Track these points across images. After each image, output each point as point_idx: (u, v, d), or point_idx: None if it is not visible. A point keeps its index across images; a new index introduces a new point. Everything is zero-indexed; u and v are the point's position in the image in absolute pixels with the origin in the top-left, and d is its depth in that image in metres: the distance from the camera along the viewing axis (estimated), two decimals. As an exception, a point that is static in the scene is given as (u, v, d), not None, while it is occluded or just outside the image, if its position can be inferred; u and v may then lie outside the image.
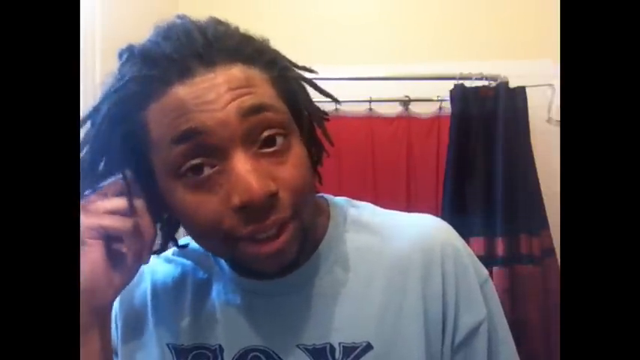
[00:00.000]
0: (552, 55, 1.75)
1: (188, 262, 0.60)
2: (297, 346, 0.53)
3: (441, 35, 2.01)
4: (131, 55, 0.48)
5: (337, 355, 0.52)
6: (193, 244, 0.60)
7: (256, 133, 0.45)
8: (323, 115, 0.56)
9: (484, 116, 1.69)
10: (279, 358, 0.53)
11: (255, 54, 0.48)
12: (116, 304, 0.60)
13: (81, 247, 0.48)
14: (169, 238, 0.58)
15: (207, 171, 0.45)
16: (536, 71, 1.77)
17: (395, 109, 1.92)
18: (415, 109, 1.92)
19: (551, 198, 1.69)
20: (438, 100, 1.87)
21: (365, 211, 0.59)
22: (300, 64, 0.54)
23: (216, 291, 0.57)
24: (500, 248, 1.57)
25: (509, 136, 1.65)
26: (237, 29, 0.51)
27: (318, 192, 0.59)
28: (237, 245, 0.47)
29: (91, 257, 0.48)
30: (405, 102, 1.90)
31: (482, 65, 1.73)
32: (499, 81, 1.71)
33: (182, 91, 0.44)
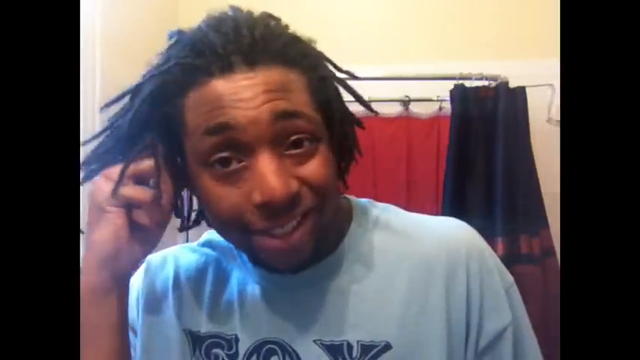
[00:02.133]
0: (552, 55, 1.75)
1: (212, 253, 0.62)
2: (314, 341, 0.53)
3: (441, 35, 2.01)
4: (180, 40, 0.50)
5: (355, 353, 0.52)
6: (218, 238, 0.61)
7: (285, 136, 0.47)
8: (356, 123, 0.57)
9: (484, 116, 1.69)
10: (294, 352, 0.53)
11: (298, 57, 0.49)
12: (140, 285, 0.62)
13: (101, 215, 0.50)
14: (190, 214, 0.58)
15: (234, 165, 0.46)
16: (536, 71, 1.77)
17: (395, 109, 1.92)
18: (415, 109, 1.91)
19: (551, 198, 1.69)
20: (438, 100, 1.86)
21: (388, 212, 0.60)
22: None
23: (237, 282, 0.58)
24: (500, 248, 1.57)
25: (509, 136, 1.65)
26: (286, 29, 0.52)
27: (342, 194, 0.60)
28: (254, 238, 0.48)
29: (113, 224, 0.50)
30: (405, 102, 1.90)
31: (482, 65, 1.73)
32: (499, 81, 1.71)
33: (221, 84, 0.46)
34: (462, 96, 1.70)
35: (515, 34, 1.97)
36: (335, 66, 0.54)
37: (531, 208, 1.64)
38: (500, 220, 1.59)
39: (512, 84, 1.70)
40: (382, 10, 2.03)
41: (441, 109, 1.88)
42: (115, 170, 0.50)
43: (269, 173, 0.45)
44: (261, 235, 0.47)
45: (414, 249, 0.55)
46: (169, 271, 0.61)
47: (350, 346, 0.52)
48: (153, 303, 0.61)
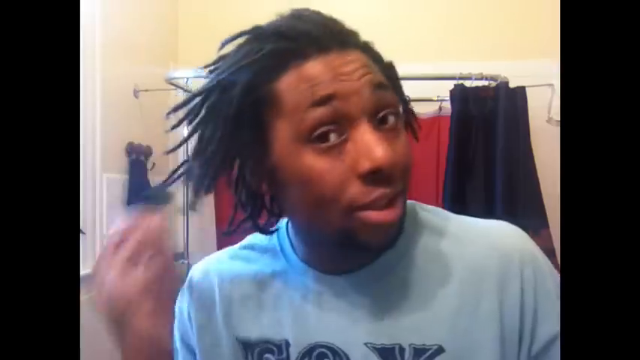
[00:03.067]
0: (552, 55, 1.76)
1: (255, 256, 0.62)
2: (366, 344, 0.53)
3: (441, 35, 2.01)
4: (260, 33, 0.51)
5: (407, 356, 0.51)
6: (260, 241, 0.62)
7: (378, 110, 0.48)
8: (413, 115, 0.60)
9: (484, 116, 1.69)
10: (345, 355, 0.53)
11: (367, 47, 0.53)
12: (187, 302, 0.62)
13: (131, 311, 0.52)
14: (256, 214, 0.58)
15: (333, 139, 0.47)
16: (536, 71, 1.77)
17: (395, 109, 1.92)
18: (415, 109, 1.90)
19: (551, 198, 1.69)
20: (438, 100, 1.87)
21: (436, 214, 0.59)
22: None
23: (284, 286, 0.58)
24: (500, 248, 1.57)
25: (509, 136, 1.65)
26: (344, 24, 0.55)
27: None
28: (357, 215, 0.48)
29: (144, 315, 0.52)
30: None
31: (482, 65, 1.73)
32: (499, 81, 1.71)
33: (319, 63, 0.48)
34: (462, 96, 1.70)
35: (515, 34, 1.97)
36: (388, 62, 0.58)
37: (531, 208, 1.64)
38: (500, 220, 1.59)
39: (512, 84, 1.70)
40: (382, 10, 2.04)
41: (440, 109, 1.88)
42: (123, 261, 0.53)
43: (374, 141, 0.46)
44: (364, 210, 0.47)
45: (465, 253, 0.55)
46: (213, 282, 0.61)
47: (402, 350, 0.52)
48: (203, 317, 0.61)
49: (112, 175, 1.74)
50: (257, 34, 0.51)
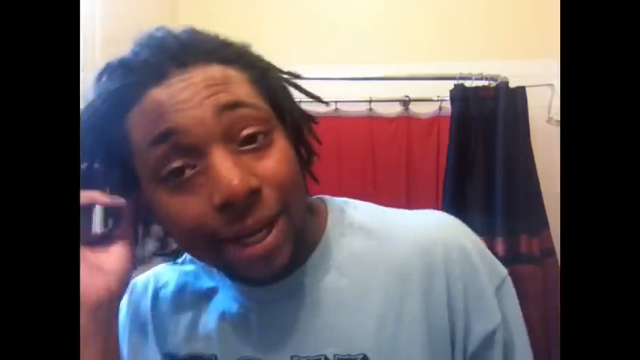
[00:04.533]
0: (552, 55, 1.76)
1: (192, 270, 0.60)
2: (292, 357, 0.51)
3: (441, 35, 2.01)
4: (111, 69, 0.48)
5: None
6: None
7: (235, 131, 0.45)
8: (309, 119, 0.55)
9: (484, 116, 1.69)
10: None
11: (233, 55, 0.48)
12: (125, 309, 0.61)
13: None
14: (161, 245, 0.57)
15: (188, 173, 0.44)
16: (536, 71, 1.77)
17: (395, 109, 1.92)
18: (415, 109, 1.92)
19: (551, 198, 1.69)
20: (438, 100, 1.87)
21: (364, 212, 0.57)
22: (290, 65, 0.54)
23: (215, 300, 0.57)
24: (500, 248, 1.57)
25: (509, 136, 1.65)
26: (216, 36, 0.51)
27: (316, 194, 0.58)
28: (224, 249, 0.45)
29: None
30: (405, 102, 1.90)
31: (482, 65, 1.73)
32: (499, 81, 1.71)
33: (158, 93, 0.44)
34: (462, 96, 1.70)
35: (515, 34, 1.97)
36: (274, 67, 0.53)
37: (531, 208, 1.64)
38: (500, 220, 1.59)
39: (512, 84, 1.70)
40: (382, 10, 2.04)
41: (440, 109, 1.88)
42: None
43: (225, 169, 0.43)
44: (231, 245, 0.45)
45: (389, 253, 0.52)
46: (149, 296, 0.60)
47: None
48: (136, 327, 0.60)
49: (112, 175, 1.74)
50: (108, 72, 0.49)
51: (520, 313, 0.53)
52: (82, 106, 0.48)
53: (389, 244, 0.53)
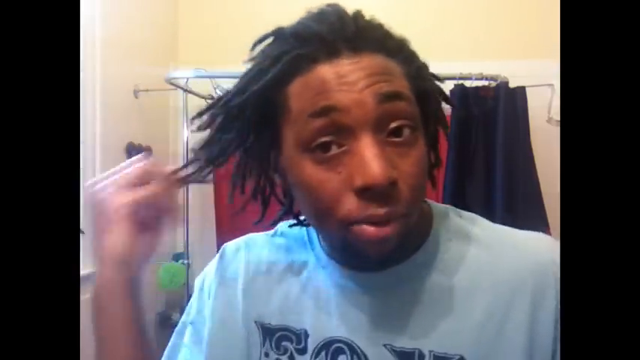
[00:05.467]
0: (552, 55, 1.76)
1: (285, 244, 0.62)
2: (385, 345, 0.52)
3: (441, 35, 2.01)
4: (281, 35, 0.50)
5: None
6: (292, 230, 0.62)
7: (387, 121, 0.46)
8: (447, 123, 0.57)
9: (484, 116, 1.69)
10: (363, 353, 0.53)
11: (396, 48, 0.51)
12: (212, 272, 0.64)
13: (112, 222, 0.52)
14: (266, 209, 0.59)
15: (334, 149, 0.46)
16: (536, 71, 1.77)
17: (395, 109, 1.92)
18: (415, 109, 1.91)
19: (551, 198, 1.69)
20: (437, 100, 1.86)
21: (471, 222, 0.58)
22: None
23: (309, 276, 0.58)
24: (500, 248, 1.57)
25: (509, 136, 1.65)
26: (381, 25, 0.53)
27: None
28: (351, 229, 0.47)
29: (125, 230, 0.52)
30: (405, 102, 1.90)
31: (482, 65, 1.73)
32: (499, 81, 1.71)
33: (327, 69, 0.47)
34: (462, 96, 1.70)
35: (515, 34, 1.97)
36: (425, 65, 0.55)
37: (531, 208, 1.64)
38: (500, 220, 1.57)
39: (512, 84, 1.70)
40: (381, 10, 2.03)
41: (441, 109, 1.88)
42: (123, 177, 0.53)
43: (371, 156, 0.45)
44: (359, 224, 0.46)
45: (498, 263, 0.53)
46: (241, 261, 0.62)
47: (422, 355, 0.51)
48: (224, 292, 0.61)
49: (112, 175, 1.74)
50: (277, 37, 0.51)
51: None
52: (82, 107, 0.48)
53: (499, 255, 0.54)
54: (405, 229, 0.47)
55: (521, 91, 1.70)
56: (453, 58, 1.91)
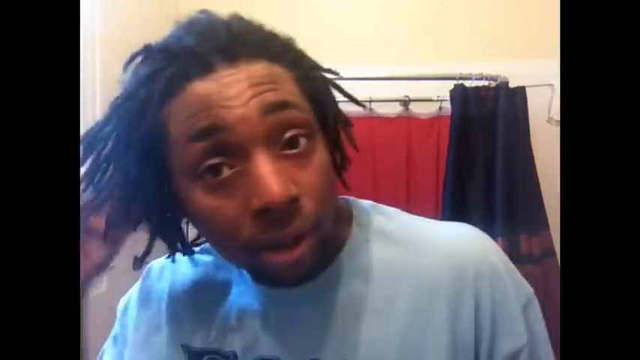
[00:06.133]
0: (552, 55, 1.76)
1: (211, 262, 0.58)
2: (312, 359, 0.50)
3: (441, 35, 2.01)
4: (149, 53, 0.46)
5: None
6: None
7: (279, 133, 0.43)
8: (347, 123, 0.53)
9: (484, 116, 1.69)
10: None
11: (280, 51, 0.46)
12: (136, 293, 0.60)
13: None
14: (175, 245, 0.55)
15: (226, 172, 0.42)
16: (536, 71, 1.77)
17: (395, 109, 1.92)
18: (415, 109, 1.92)
19: (551, 198, 1.69)
20: (438, 100, 1.87)
21: (393, 219, 0.55)
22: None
23: (235, 296, 0.55)
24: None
25: (509, 136, 1.65)
26: (261, 26, 0.49)
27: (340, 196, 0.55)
28: (256, 254, 0.44)
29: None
30: (405, 102, 1.90)
31: (482, 65, 1.73)
32: (499, 81, 1.71)
33: (202, 86, 0.42)
34: (462, 96, 1.70)
35: (515, 34, 1.97)
36: (315, 63, 0.51)
37: (531, 208, 1.64)
38: (500, 220, 1.59)
39: (512, 84, 1.70)
40: (382, 10, 2.03)
41: (441, 109, 1.88)
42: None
43: (266, 174, 0.41)
44: (264, 250, 0.43)
45: (418, 264, 0.51)
46: (166, 282, 0.59)
47: None
48: (148, 314, 0.58)
49: (112, 175, 1.74)
50: (146, 55, 0.46)
51: (546, 334, 0.52)
52: (82, 107, 0.48)
53: (418, 254, 0.52)
54: (318, 242, 0.45)
55: (521, 91, 1.70)
56: (453, 58, 1.91)
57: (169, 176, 0.46)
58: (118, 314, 0.62)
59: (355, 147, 0.53)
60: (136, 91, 0.45)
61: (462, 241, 0.52)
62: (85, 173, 0.49)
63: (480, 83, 1.73)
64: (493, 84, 1.71)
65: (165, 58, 0.44)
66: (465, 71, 1.72)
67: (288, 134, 0.43)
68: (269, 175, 0.41)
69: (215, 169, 0.42)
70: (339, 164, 0.53)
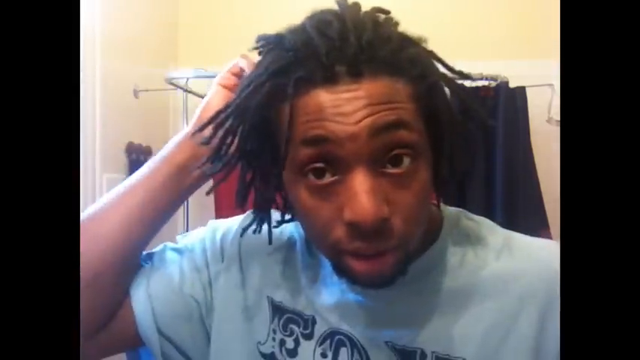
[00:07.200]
0: (552, 55, 1.76)
1: (297, 242, 0.62)
2: (386, 342, 0.52)
3: (441, 35, 2.00)
4: (281, 46, 0.48)
5: None
6: None
7: (384, 152, 0.44)
8: (465, 137, 0.53)
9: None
10: (363, 349, 0.53)
11: (406, 65, 0.47)
12: (234, 235, 0.63)
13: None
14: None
15: (327, 177, 0.45)
16: (536, 71, 1.77)
17: (395, 109, 1.92)
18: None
19: (551, 198, 1.69)
20: (437, 100, 1.86)
21: (482, 226, 0.57)
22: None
23: (325, 268, 0.58)
24: (500, 248, 1.57)
25: (509, 136, 1.65)
26: (395, 28, 0.51)
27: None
28: (341, 256, 0.47)
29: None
30: (405, 102, 1.90)
31: (482, 65, 1.73)
32: (499, 81, 1.71)
33: (323, 95, 0.44)
34: (461, 96, 1.70)
35: (515, 34, 1.97)
36: (447, 66, 0.53)
37: (531, 208, 1.64)
38: (500, 220, 1.58)
39: (512, 84, 1.70)
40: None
41: (441, 109, 1.88)
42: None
43: (362, 192, 0.43)
44: (350, 255, 0.46)
45: (509, 271, 0.52)
46: (259, 239, 0.61)
47: (424, 355, 0.51)
48: (247, 260, 0.62)
49: (112, 175, 1.74)
50: (276, 46, 0.48)
51: None
52: (82, 106, 0.48)
53: (510, 260, 0.53)
54: (401, 257, 0.47)
55: (521, 91, 1.70)
56: (453, 58, 1.91)
57: (283, 164, 0.48)
58: (207, 235, 0.65)
59: (472, 164, 0.56)
60: (262, 84, 0.47)
61: (553, 254, 0.52)
62: (215, 145, 0.52)
63: (480, 83, 1.73)
64: (493, 84, 1.72)
65: (294, 56, 0.46)
66: (465, 71, 1.71)
67: (392, 153, 0.45)
68: (364, 193, 0.43)
69: (318, 172, 0.45)
70: (442, 180, 0.52)
